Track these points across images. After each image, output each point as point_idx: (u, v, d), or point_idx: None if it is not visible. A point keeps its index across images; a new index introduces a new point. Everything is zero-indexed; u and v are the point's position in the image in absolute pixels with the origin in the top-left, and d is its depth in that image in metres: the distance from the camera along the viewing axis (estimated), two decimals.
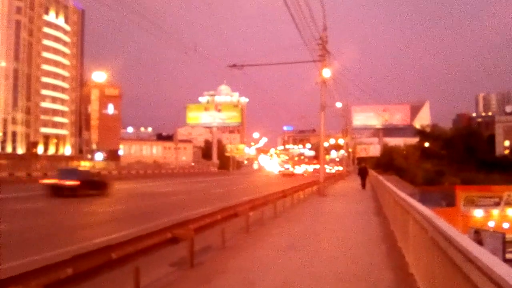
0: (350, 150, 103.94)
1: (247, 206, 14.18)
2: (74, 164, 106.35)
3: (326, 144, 49.68)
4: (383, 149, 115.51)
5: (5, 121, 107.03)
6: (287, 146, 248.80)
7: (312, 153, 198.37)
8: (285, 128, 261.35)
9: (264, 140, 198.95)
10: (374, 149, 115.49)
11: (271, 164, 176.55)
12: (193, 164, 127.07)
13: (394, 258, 10.16)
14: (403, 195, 10.28)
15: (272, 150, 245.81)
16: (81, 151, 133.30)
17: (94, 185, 30.68)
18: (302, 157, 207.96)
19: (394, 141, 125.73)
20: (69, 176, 29.61)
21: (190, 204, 25.41)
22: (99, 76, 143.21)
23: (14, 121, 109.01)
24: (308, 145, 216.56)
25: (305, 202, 25.65)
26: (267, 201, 17.15)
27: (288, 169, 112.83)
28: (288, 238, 13.10)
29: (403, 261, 9.37)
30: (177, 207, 23.25)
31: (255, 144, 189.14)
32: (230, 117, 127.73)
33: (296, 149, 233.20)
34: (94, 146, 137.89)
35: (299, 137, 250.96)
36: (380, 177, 29.37)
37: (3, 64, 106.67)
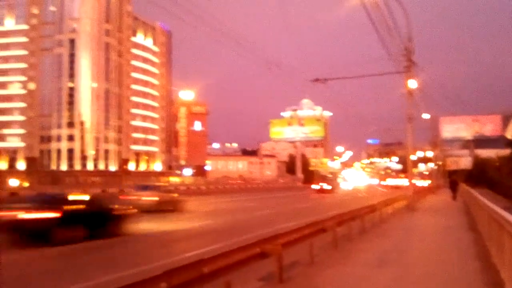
0: (439, 163, 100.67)
1: (334, 221, 13.99)
2: (164, 180, 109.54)
3: (413, 157, 48.44)
4: (474, 161, 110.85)
5: (97, 139, 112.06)
6: (372, 160, 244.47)
7: (399, 166, 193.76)
8: (369, 141, 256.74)
9: (349, 153, 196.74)
10: (465, 162, 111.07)
11: (357, 177, 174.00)
12: (281, 180, 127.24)
13: (489, 274, 9.75)
14: (497, 209, 9.85)
15: (357, 164, 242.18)
16: (170, 167, 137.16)
17: (170, 201, 30.06)
18: (389, 171, 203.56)
19: (486, 153, 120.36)
20: (148, 192, 29.54)
21: (276, 218, 25.42)
22: (186, 94, 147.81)
23: (106, 140, 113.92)
24: (395, 158, 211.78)
25: (394, 217, 25.02)
26: (354, 216, 16.87)
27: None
28: (378, 254, 12.82)
29: (498, 278, 8.95)
30: (263, 222, 23.32)
31: (339, 158, 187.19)
32: (313, 131, 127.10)
33: (382, 162, 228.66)
34: (182, 162, 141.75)
35: (385, 150, 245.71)
36: (472, 191, 28.23)
37: (95, 85, 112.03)
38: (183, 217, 26.55)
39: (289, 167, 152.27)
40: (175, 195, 32.18)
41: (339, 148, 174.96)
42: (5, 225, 15.04)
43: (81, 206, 17.01)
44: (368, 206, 20.13)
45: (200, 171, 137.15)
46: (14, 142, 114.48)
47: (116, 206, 19.26)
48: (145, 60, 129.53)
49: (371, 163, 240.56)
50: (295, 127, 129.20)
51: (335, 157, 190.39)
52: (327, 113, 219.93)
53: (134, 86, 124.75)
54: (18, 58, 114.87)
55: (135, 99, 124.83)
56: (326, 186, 69.37)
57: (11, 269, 10.83)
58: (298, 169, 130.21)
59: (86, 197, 17.87)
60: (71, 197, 17.22)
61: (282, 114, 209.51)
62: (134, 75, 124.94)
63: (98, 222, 17.05)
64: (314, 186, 70.92)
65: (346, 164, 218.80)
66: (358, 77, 42.05)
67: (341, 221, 14.69)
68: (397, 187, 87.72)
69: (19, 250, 13.88)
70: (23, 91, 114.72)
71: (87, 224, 16.32)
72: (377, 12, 18.93)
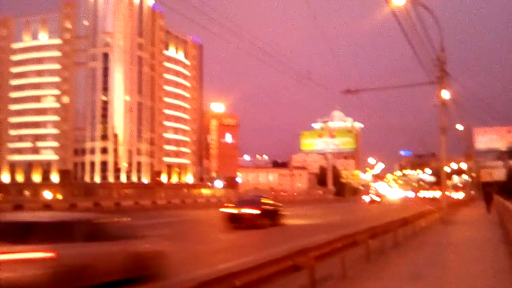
0: (473, 174, 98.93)
1: (367, 234, 13.81)
2: (195, 192, 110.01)
3: (447, 169, 47.73)
4: (509, 173, 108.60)
5: (130, 152, 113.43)
6: (405, 172, 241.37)
7: (432, 178, 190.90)
8: (402, 152, 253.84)
9: (381, 165, 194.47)
10: (499, 173, 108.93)
11: (392, 190, 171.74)
12: (320, 192, 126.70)
13: None
14: None
15: (389, 176, 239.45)
16: (201, 179, 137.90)
17: (271, 215, 28.77)
18: (422, 183, 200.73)
19: None
20: (249, 205, 28.03)
21: (308, 231, 25.31)
22: (217, 107, 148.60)
23: (139, 152, 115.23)
24: (428, 170, 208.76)
25: (428, 230, 24.60)
26: (387, 229, 16.63)
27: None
28: (412, 268, 12.63)
29: None
30: (295, 235, 23.24)
31: (371, 170, 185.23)
32: (344, 143, 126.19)
33: (415, 174, 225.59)
34: (213, 174, 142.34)
35: (418, 162, 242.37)
36: (507, 203, 27.62)
37: (128, 98, 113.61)
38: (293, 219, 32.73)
39: (320, 179, 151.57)
40: (278, 205, 31.35)
41: (371, 160, 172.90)
42: (229, 217, 26.63)
43: (268, 207, 28.39)
44: (401, 219, 19.85)
45: (231, 183, 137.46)
46: (48, 155, 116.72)
47: (281, 207, 30.58)
48: (177, 73, 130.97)
49: (404, 175, 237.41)
50: (326, 138, 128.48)
51: (366, 169, 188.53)
52: (358, 125, 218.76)
53: (166, 99, 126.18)
54: (51, 72, 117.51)
55: (167, 111, 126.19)
56: (375, 198, 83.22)
57: (235, 240, 21.63)
58: (329, 181, 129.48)
59: (270, 201, 30.29)
60: (263, 200, 28.97)
61: (313, 125, 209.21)
62: (166, 88, 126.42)
63: (274, 216, 28.49)
64: (364, 197, 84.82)
65: (378, 176, 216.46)
66: (390, 88, 41.90)
67: (373, 234, 14.51)
68: (434, 199, 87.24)
69: (237, 231, 24.48)
70: (57, 105, 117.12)
71: (270, 217, 27.72)
72: (409, 22, 18.78)
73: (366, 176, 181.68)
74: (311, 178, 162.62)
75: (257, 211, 27.03)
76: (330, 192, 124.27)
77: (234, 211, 27.39)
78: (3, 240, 8.60)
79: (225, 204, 31.54)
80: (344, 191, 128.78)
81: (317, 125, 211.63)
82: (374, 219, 28.26)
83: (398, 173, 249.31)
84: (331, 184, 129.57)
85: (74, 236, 9.40)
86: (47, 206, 43.56)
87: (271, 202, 31.01)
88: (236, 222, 26.24)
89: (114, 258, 10.11)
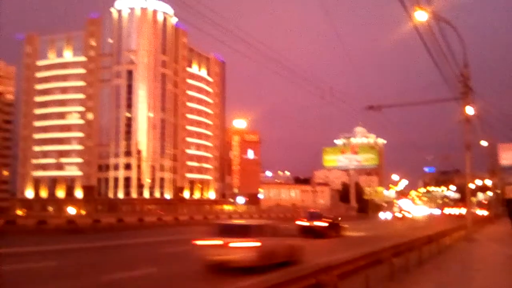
0: (498, 191, 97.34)
1: (390, 251, 13.70)
2: (217, 208, 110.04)
3: (472, 186, 47.14)
4: None
5: (153, 168, 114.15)
6: (429, 188, 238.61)
7: (456, 195, 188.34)
8: (426, 169, 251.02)
9: (404, 182, 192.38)
10: None
11: (416, 207, 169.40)
12: (355, 208, 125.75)
13: None
14: None
15: (413, 193, 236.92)
16: (223, 195, 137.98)
17: (336, 227, 34.41)
18: (446, 200, 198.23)
19: None
20: (318, 219, 33.45)
21: (330, 248, 25.16)
22: (239, 123, 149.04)
23: (162, 168, 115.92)
24: (452, 187, 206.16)
25: (453, 247, 24.33)
26: (412, 246, 16.47)
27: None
28: (436, 287, 12.47)
29: None
30: (317, 252, 23.10)
31: (394, 187, 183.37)
32: (367, 159, 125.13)
33: (439, 191, 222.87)
34: (235, 190, 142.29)
35: (442, 179, 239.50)
36: None
37: (151, 114, 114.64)
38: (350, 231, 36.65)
39: (343, 195, 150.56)
40: (339, 219, 37.44)
41: (394, 177, 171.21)
42: (302, 229, 30.92)
43: (332, 220, 34.27)
44: (425, 237, 19.66)
45: (253, 199, 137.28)
46: (72, 171, 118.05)
47: (341, 221, 36.42)
48: (200, 90, 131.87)
49: (428, 191, 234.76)
50: (348, 155, 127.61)
51: (390, 186, 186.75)
52: (381, 141, 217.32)
53: (189, 116, 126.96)
54: (76, 89, 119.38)
55: (189, 128, 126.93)
56: (407, 214, 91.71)
57: (311, 247, 21.49)
58: (352, 198, 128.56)
59: (331, 216, 35.56)
60: (326, 215, 34.99)
61: (335, 141, 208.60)
62: (189, 104, 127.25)
63: (338, 228, 34.25)
64: (397, 214, 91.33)
65: (401, 193, 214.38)
66: (413, 104, 41.57)
67: (397, 252, 14.39)
68: (461, 216, 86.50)
69: (309, 240, 25.48)
70: (81, 121, 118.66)
71: (335, 229, 33.49)
72: (432, 37, 18.72)
73: (389, 193, 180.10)
74: (333, 194, 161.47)
75: (326, 224, 33.14)
76: (353, 209, 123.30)
77: (307, 223, 32.93)
78: (232, 235, 15.26)
79: (299, 218, 36.43)
80: (368, 208, 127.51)
81: (339, 141, 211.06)
82: (402, 235, 29.97)
83: (422, 189, 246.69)
84: (354, 200, 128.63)
85: (267, 233, 16.36)
86: (71, 221, 43.69)
87: (334, 216, 37.05)
88: (308, 233, 30.24)
89: (283, 247, 17.01)
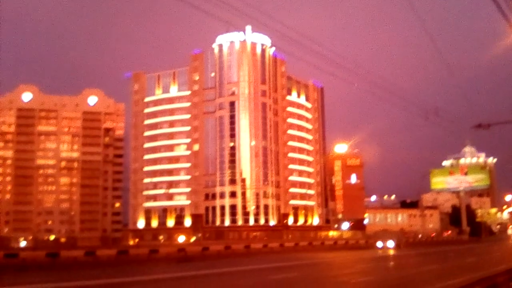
0: None
1: (506, 276, 13.44)
2: (322, 234, 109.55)
3: None
4: None
5: (257, 195, 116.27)
6: None
7: None
8: None
9: None
10: None
11: None
12: (450, 233, 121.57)
13: None
14: None
15: None
16: (328, 221, 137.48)
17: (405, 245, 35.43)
18: None
19: None
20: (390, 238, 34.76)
21: (444, 273, 25.04)
22: (340, 147, 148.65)
23: (265, 195, 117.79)
24: None
25: None
26: None
27: None
28: None
29: None
30: (431, 277, 23.15)
31: (507, 208, 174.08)
32: (478, 180, 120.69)
33: None
34: (340, 216, 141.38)
35: None
36: None
37: (253, 143, 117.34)
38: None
39: (453, 218, 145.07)
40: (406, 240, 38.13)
41: (508, 197, 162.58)
42: None
43: None
44: None
45: (358, 225, 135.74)
46: (181, 201, 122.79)
47: None
48: (300, 117, 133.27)
49: None
50: (457, 176, 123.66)
51: (504, 207, 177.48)
52: (492, 160, 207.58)
53: (290, 142, 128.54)
54: (182, 122, 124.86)
55: (291, 155, 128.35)
56: None
57: None
58: (464, 221, 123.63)
59: None
60: None
61: (443, 163, 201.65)
62: (290, 131, 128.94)
63: None
64: None
65: None
66: None
67: None
68: None
69: None
70: (188, 152, 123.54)
71: None
72: None
73: (503, 215, 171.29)
74: (443, 218, 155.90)
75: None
76: (464, 233, 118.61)
77: None
78: None
79: None
80: (481, 231, 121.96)
81: (447, 163, 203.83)
82: None
83: None
84: (465, 224, 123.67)
85: None
86: (181, 249, 45.59)
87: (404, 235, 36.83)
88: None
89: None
